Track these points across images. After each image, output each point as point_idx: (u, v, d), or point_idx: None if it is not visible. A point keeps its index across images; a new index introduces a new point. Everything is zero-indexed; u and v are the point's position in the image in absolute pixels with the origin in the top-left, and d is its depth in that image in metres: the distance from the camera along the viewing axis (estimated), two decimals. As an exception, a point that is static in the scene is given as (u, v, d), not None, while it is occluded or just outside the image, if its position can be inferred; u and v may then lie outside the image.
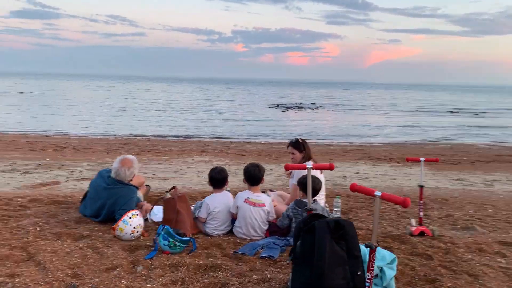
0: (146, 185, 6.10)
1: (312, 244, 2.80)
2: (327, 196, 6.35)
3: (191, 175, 8.94)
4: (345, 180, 8.99)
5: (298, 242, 2.91)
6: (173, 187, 4.92)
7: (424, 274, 3.56)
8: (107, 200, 4.51)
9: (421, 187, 4.91)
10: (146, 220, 4.81)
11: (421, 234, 4.74)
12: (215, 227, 4.42)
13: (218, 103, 46.06)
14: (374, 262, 2.53)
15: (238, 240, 4.25)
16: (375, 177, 9.53)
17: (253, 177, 4.39)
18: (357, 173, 10.12)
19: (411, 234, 4.73)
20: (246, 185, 4.58)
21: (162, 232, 3.71)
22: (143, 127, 23.53)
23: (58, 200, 5.68)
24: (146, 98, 51.24)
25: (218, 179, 4.54)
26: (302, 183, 4.30)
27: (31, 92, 54.29)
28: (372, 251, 2.52)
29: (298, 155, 5.09)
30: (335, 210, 5.60)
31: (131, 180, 4.71)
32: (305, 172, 4.80)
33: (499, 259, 4.06)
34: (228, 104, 45.94)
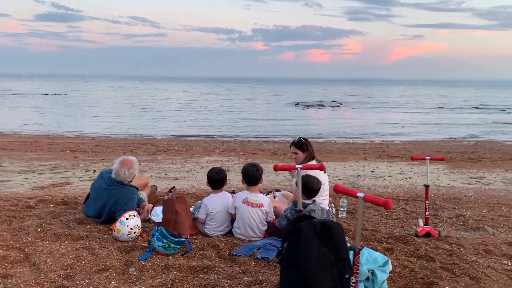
0: (153, 186, 6.12)
1: (298, 246, 2.74)
2: (335, 196, 6.28)
3: (202, 175, 8.94)
4: (358, 180, 8.85)
5: (285, 244, 2.86)
6: (172, 188, 4.92)
7: (422, 277, 3.45)
8: (107, 201, 4.55)
9: (427, 186, 4.78)
10: (148, 220, 4.83)
11: (427, 235, 4.61)
12: (214, 227, 4.40)
13: (238, 102, 46.11)
14: (358, 266, 2.45)
15: (235, 241, 4.21)
16: (390, 176, 9.35)
17: (251, 177, 4.35)
18: (372, 171, 9.95)
19: (417, 235, 4.61)
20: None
21: (156, 233, 3.71)
22: (163, 127, 23.77)
23: (65, 200, 5.76)
24: (166, 98, 51.74)
25: (216, 180, 4.52)
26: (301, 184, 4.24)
27: (55, 94, 55.49)
28: (356, 254, 2.44)
29: (301, 154, 5.03)
30: (341, 210, 5.52)
31: (131, 181, 4.73)
32: (307, 172, 4.76)
33: (505, 261, 3.91)
34: (248, 103, 45.96)
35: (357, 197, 2.41)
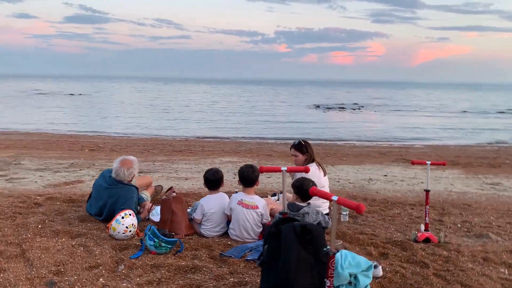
0: (158, 185, 6.20)
1: (279, 248, 2.75)
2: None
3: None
4: (369, 183, 8.76)
5: (266, 246, 2.87)
6: (170, 188, 4.98)
7: (412, 283, 3.40)
8: (108, 200, 4.64)
9: (427, 191, 4.70)
10: (148, 220, 4.91)
11: (427, 240, 4.54)
12: (210, 228, 4.43)
13: (259, 104, 46.15)
14: (333, 269, 2.44)
15: (229, 242, 4.24)
16: (402, 180, 9.22)
17: (247, 178, 4.36)
18: (385, 175, 9.83)
19: (416, 240, 4.55)
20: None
21: (149, 233, 3.76)
22: (183, 128, 24.03)
23: (73, 198, 5.89)
24: (188, 100, 52.22)
25: (212, 181, 4.56)
26: (295, 186, 4.25)
27: (80, 94, 56.70)
28: (331, 258, 2.43)
29: (301, 157, 5.03)
30: (343, 214, 5.49)
31: (130, 180, 4.81)
32: (303, 174, 4.76)
33: (502, 270, 3.82)
34: (269, 105, 45.96)
35: (332, 200, 2.41)
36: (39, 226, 4.40)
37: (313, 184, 4.26)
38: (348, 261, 3.00)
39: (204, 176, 4.61)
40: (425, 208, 4.70)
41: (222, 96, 65.87)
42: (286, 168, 3.23)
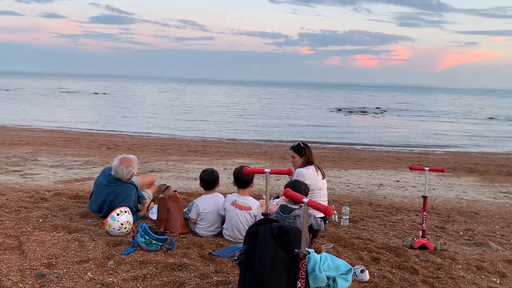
0: (162, 184, 6.30)
1: (255, 248, 2.78)
2: (340, 204, 6.22)
3: (222, 176, 9.09)
4: (378, 188, 8.70)
5: (244, 246, 2.90)
6: (167, 187, 5.06)
7: (397, 289, 3.38)
8: (107, 197, 4.77)
9: (425, 197, 4.65)
10: (147, 218, 5.00)
11: (423, 247, 4.50)
12: (205, 228, 4.49)
13: (280, 107, 46.14)
14: (304, 271, 2.46)
15: (221, 242, 4.29)
16: (414, 187, 9.11)
17: (241, 179, 4.40)
18: (397, 181, 9.72)
19: (411, 247, 4.51)
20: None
21: (140, 230, 3.84)
22: (202, 129, 24.27)
23: (79, 195, 6.05)
24: (210, 101, 52.62)
25: (208, 181, 4.62)
26: (286, 187, 4.26)
27: (104, 93, 57.81)
28: (302, 259, 2.45)
29: (298, 159, 5.06)
30: (343, 218, 5.47)
31: (129, 178, 4.91)
32: (302, 176, 4.78)
33: (494, 279, 3.75)
34: (290, 107, 45.90)
35: (302, 202, 2.43)
36: (40, 220, 4.54)
37: (306, 187, 4.27)
38: (327, 264, 3.00)
39: (200, 176, 4.68)
40: (423, 214, 4.65)
41: (243, 97, 66.08)
42: (269, 170, 3.26)
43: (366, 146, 19.75)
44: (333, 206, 5.89)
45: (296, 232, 2.80)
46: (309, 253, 2.46)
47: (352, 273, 3.07)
